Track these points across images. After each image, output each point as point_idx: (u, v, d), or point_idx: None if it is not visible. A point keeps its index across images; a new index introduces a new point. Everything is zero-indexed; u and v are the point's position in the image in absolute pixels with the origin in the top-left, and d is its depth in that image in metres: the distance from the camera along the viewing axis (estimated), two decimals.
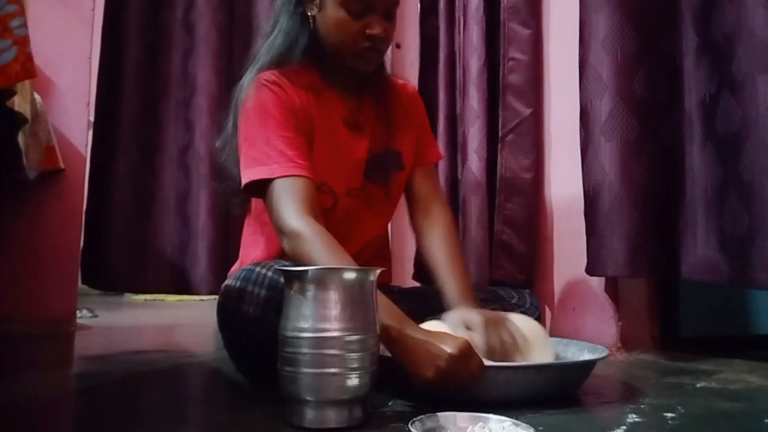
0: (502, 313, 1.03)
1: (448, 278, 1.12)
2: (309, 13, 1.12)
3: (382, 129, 1.20)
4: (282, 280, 0.96)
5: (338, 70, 1.16)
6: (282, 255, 1.13)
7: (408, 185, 1.27)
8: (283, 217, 0.99)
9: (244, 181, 1.05)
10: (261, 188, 1.04)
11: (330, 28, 1.10)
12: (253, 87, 1.09)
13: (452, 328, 0.97)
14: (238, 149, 1.09)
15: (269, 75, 1.10)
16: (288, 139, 1.05)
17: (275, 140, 1.04)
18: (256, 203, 1.22)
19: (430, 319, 1.01)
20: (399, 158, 1.23)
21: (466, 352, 0.84)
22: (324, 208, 1.09)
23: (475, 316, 0.99)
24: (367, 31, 1.08)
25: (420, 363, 0.84)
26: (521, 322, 1.02)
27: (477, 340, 0.94)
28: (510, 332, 0.98)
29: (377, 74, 1.21)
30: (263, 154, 1.04)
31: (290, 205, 0.99)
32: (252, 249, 1.23)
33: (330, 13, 1.09)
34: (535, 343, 0.99)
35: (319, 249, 0.94)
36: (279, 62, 1.13)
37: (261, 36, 1.20)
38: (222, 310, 1.07)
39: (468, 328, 0.98)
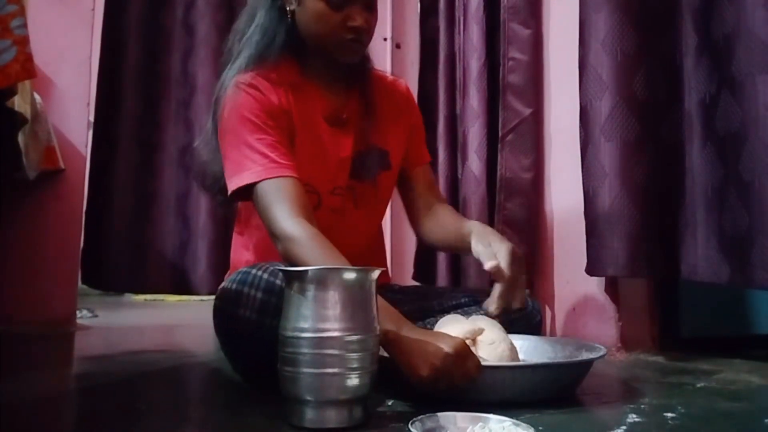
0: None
1: (480, 227, 1.14)
2: (288, 8, 1.11)
3: (368, 126, 1.18)
4: (278, 282, 0.96)
5: (320, 65, 1.15)
6: (270, 258, 1.12)
7: (405, 187, 1.27)
8: (275, 221, 0.98)
9: (231, 188, 1.04)
10: (248, 193, 1.04)
11: (310, 21, 1.09)
12: (231, 91, 1.09)
13: (485, 257, 1.04)
14: (222, 157, 1.09)
15: (246, 77, 1.09)
16: (267, 141, 1.04)
17: (255, 143, 1.04)
18: (243, 207, 1.22)
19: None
20: (385, 157, 1.21)
21: (463, 351, 0.83)
22: None
23: (502, 246, 1.04)
24: (349, 23, 1.07)
25: (415, 362, 0.83)
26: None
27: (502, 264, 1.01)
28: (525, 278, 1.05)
29: (362, 68, 1.20)
30: (245, 158, 1.03)
31: (281, 208, 0.98)
32: (241, 253, 1.22)
33: (309, 6, 1.08)
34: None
35: (313, 251, 0.93)
36: (258, 59, 1.12)
37: (235, 31, 1.19)
38: (218, 314, 1.06)
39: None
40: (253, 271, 1.01)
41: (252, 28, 1.14)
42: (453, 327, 0.96)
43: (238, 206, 1.25)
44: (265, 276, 0.99)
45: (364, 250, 1.23)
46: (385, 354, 0.87)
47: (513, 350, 0.97)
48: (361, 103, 1.20)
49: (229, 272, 1.24)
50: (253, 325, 0.98)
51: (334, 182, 1.16)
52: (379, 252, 1.33)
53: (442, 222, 1.22)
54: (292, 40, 1.13)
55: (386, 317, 0.87)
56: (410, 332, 0.87)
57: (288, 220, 0.97)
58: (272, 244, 1.01)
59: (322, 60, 1.15)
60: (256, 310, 0.97)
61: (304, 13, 1.10)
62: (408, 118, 1.27)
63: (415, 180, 1.27)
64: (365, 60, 1.21)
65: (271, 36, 1.12)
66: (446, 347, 0.82)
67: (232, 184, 1.04)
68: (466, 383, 0.84)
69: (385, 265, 1.35)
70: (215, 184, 1.15)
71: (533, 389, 0.89)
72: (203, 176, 1.21)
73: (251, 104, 1.07)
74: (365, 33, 1.10)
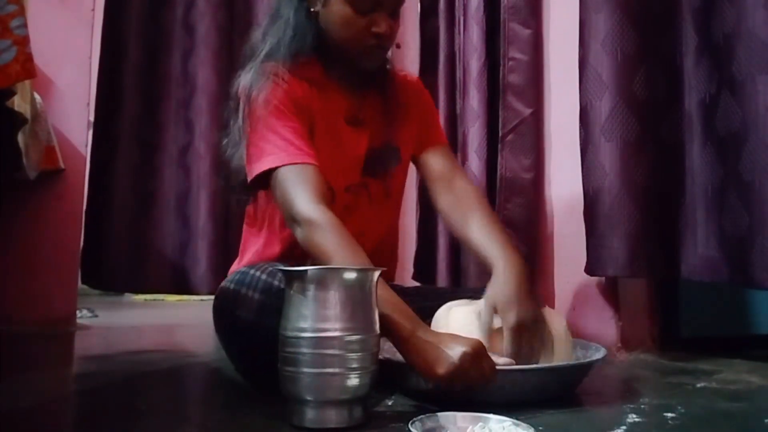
0: (539, 313, 0.98)
1: (491, 249, 1.04)
2: (312, 9, 1.11)
3: (382, 125, 1.19)
4: (276, 283, 0.96)
5: (341, 65, 1.15)
6: (282, 250, 1.12)
7: (423, 168, 1.25)
8: (295, 205, 0.97)
9: (252, 174, 1.03)
10: (268, 180, 1.03)
11: (335, 24, 1.09)
12: (257, 79, 1.08)
13: (482, 327, 0.94)
14: (245, 143, 1.08)
15: (272, 67, 1.10)
16: (293, 128, 1.04)
17: (281, 130, 1.03)
18: (257, 203, 1.22)
19: (464, 303, 1.00)
20: (397, 152, 1.22)
21: (479, 352, 0.83)
22: None
23: (510, 316, 0.94)
24: (373, 28, 1.07)
25: (433, 361, 0.82)
26: (552, 321, 0.99)
27: (505, 345, 0.92)
28: (541, 338, 0.95)
29: (381, 70, 1.20)
30: (270, 144, 1.03)
31: (301, 193, 0.97)
32: (252, 243, 1.22)
33: (335, 9, 1.08)
34: (558, 346, 0.97)
35: (332, 240, 0.93)
36: (286, 56, 1.11)
37: (259, 29, 1.18)
38: (217, 313, 1.07)
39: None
40: (251, 271, 1.01)
41: (280, 26, 1.13)
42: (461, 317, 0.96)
43: (251, 198, 1.24)
44: (263, 277, 0.99)
45: (376, 247, 1.22)
46: (384, 356, 0.87)
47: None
48: (377, 103, 1.19)
49: (236, 262, 1.24)
50: (250, 326, 0.98)
51: (348, 180, 1.16)
52: (390, 250, 1.31)
53: (456, 208, 1.15)
54: (316, 40, 1.12)
55: (400, 314, 0.87)
56: (425, 333, 0.86)
57: (308, 204, 0.96)
58: (283, 244, 1.00)
59: (342, 61, 1.14)
60: (254, 311, 0.97)
61: (329, 15, 1.09)
62: (418, 111, 1.26)
63: (431, 161, 1.23)
64: (384, 62, 1.20)
65: (302, 35, 1.11)
66: (464, 346, 0.82)
67: (254, 171, 1.03)
68: (482, 384, 0.83)
69: (395, 265, 1.34)
70: (238, 180, 1.13)
71: (542, 390, 0.90)
72: (227, 172, 1.18)
73: (278, 91, 1.06)
74: (388, 39, 1.10)
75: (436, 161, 1.23)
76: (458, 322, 0.96)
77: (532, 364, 0.94)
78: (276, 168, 1.00)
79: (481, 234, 1.09)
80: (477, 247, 1.09)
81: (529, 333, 0.94)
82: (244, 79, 1.11)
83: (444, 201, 1.19)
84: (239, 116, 1.12)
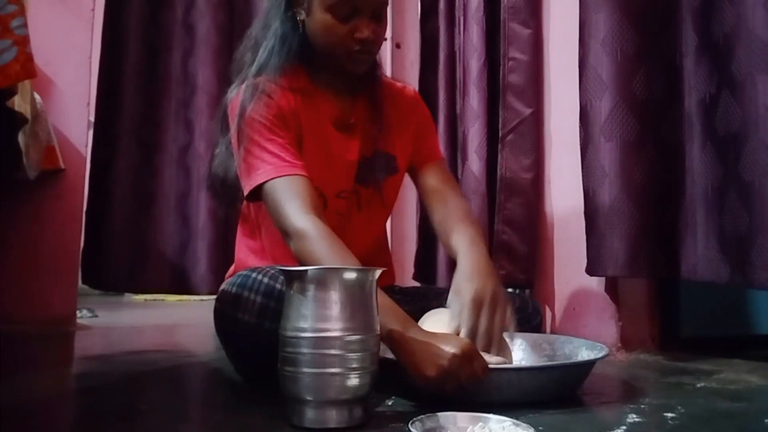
0: (499, 289, 0.98)
1: (459, 246, 1.08)
2: (298, 18, 1.11)
3: (373, 131, 1.19)
4: (278, 286, 0.97)
5: (328, 72, 1.16)
6: (280, 261, 1.12)
7: (418, 185, 1.26)
8: (286, 218, 0.98)
9: (246, 190, 1.05)
10: (260, 193, 1.04)
11: (318, 32, 1.09)
12: (243, 96, 1.09)
13: (451, 314, 0.95)
14: (236, 160, 1.09)
15: (256, 82, 1.10)
16: (280, 143, 1.05)
17: (266, 144, 1.04)
18: (254, 210, 1.22)
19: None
20: (392, 161, 1.21)
21: (469, 352, 0.83)
22: None
23: (465, 293, 0.95)
24: (356, 34, 1.07)
25: (422, 363, 0.83)
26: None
27: (463, 321, 0.93)
28: (502, 313, 0.95)
29: (370, 75, 1.20)
30: (257, 159, 1.04)
31: (292, 205, 0.98)
32: (249, 254, 1.22)
33: (317, 18, 1.08)
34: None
35: (324, 250, 0.93)
36: (273, 66, 1.12)
37: (248, 38, 1.19)
38: (218, 316, 1.07)
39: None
40: (253, 274, 1.01)
41: (269, 36, 1.14)
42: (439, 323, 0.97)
43: (242, 208, 1.25)
44: (265, 280, 1.00)
45: (369, 253, 1.22)
46: (387, 355, 0.87)
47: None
48: (368, 108, 1.20)
49: (231, 270, 1.24)
50: (252, 329, 0.98)
51: (340, 186, 1.16)
52: (383, 254, 1.32)
53: (445, 221, 1.17)
54: (304, 48, 1.13)
55: (393, 317, 0.87)
56: (416, 333, 0.87)
57: (299, 216, 0.97)
58: (283, 248, 1.01)
59: (330, 68, 1.15)
60: (255, 314, 0.98)
61: (312, 24, 1.10)
62: (415, 122, 1.26)
63: (427, 177, 1.24)
64: (374, 66, 1.21)
65: (290, 44, 1.13)
66: (453, 348, 0.82)
67: (247, 187, 1.05)
68: (473, 384, 0.83)
69: (391, 268, 1.34)
70: (228, 192, 1.16)
71: (539, 390, 0.89)
72: (219, 185, 1.20)
73: (262, 108, 1.07)
74: (373, 44, 1.10)
75: (432, 177, 1.24)
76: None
77: (495, 340, 0.93)
78: (265, 182, 1.01)
79: (457, 239, 1.11)
80: (453, 250, 1.10)
81: (486, 307, 0.94)
82: (234, 95, 1.12)
83: (437, 216, 1.20)
84: (229, 132, 1.13)
